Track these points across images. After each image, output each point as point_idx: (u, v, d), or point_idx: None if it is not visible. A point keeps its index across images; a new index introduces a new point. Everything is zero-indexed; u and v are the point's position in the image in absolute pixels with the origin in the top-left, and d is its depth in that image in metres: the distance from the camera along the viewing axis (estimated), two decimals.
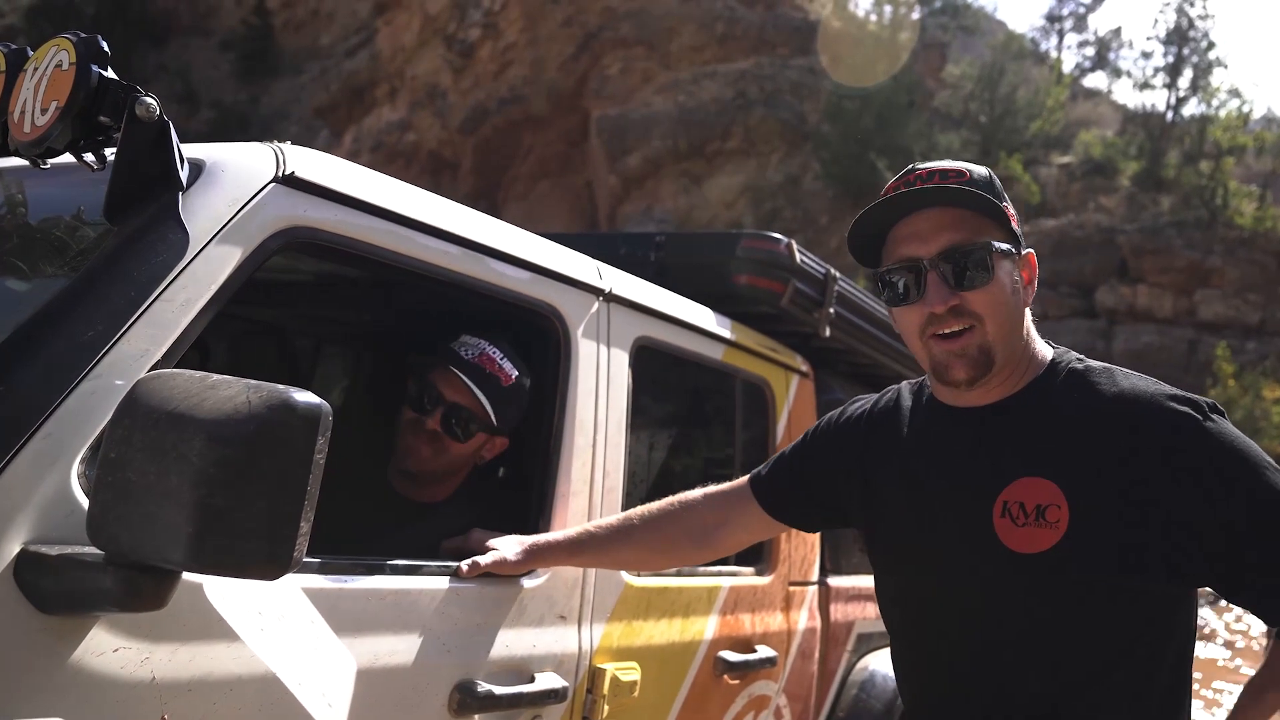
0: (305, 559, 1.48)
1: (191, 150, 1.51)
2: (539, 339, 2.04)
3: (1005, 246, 1.49)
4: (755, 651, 2.51)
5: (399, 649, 1.59)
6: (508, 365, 2.10)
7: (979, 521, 1.47)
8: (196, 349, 3.11)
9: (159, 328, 1.31)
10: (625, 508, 2.14)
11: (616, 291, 2.16)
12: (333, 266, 1.93)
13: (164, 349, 1.31)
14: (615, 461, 2.11)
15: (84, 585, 1.15)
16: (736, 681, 2.45)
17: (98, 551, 1.14)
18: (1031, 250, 1.58)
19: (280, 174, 1.49)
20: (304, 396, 1.16)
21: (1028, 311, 1.56)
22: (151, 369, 1.29)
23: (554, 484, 1.96)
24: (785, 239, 2.84)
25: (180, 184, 1.37)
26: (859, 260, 1.63)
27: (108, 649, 1.23)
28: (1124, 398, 1.44)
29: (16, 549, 1.16)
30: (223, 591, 1.36)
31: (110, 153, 1.37)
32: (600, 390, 2.08)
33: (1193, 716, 1.52)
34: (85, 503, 1.20)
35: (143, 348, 1.29)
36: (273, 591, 1.42)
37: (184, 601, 1.30)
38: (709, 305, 2.58)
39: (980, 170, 1.55)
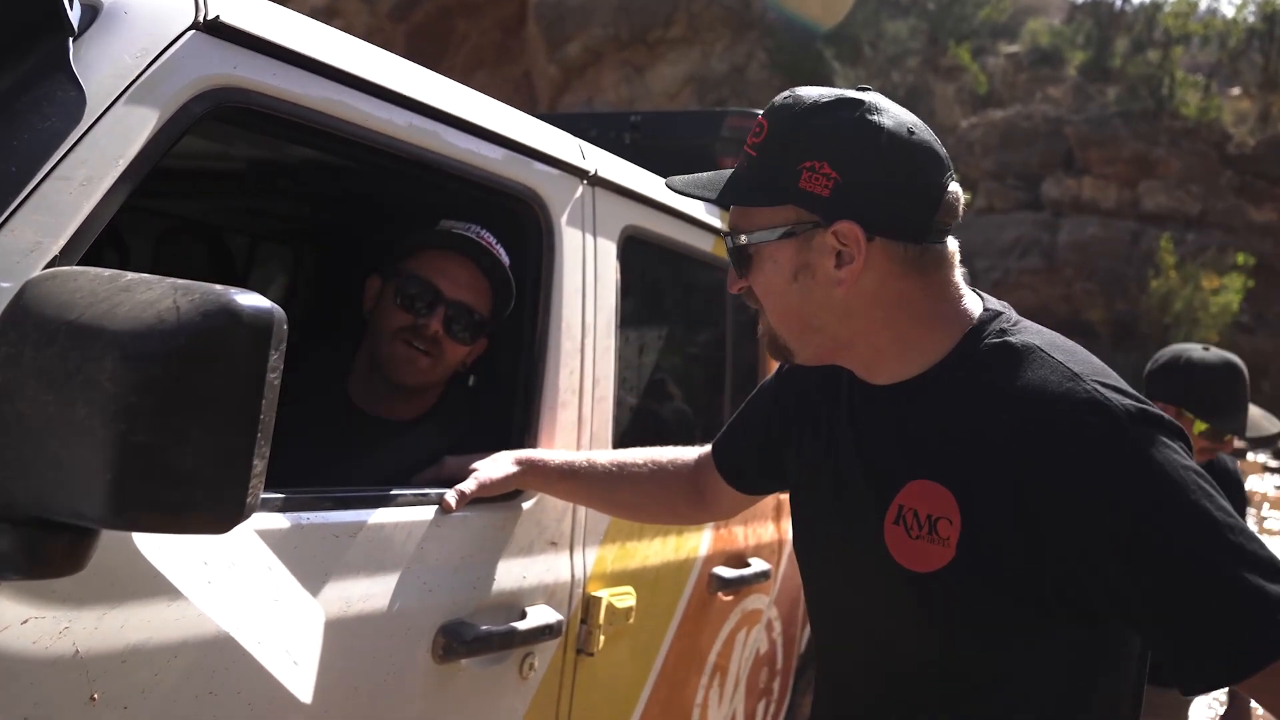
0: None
1: None
2: (517, 230, 1.77)
3: (769, 235, 1.23)
4: (749, 565, 2.34)
5: (374, 593, 1.36)
6: (502, 250, 1.83)
7: (872, 526, 1.24)
8: (112, 247, 2.79)
9: (53, 214, 1.02)
10: (616, 420, 1.92)
11: (602, 174, 1.89)
12: (267, 144, 1.62)
13: (61, 241, 1.02)
14: (605, 368, 1.87)
15: None
16: (730, 598, 2.29)
17: None
18: (849, 221, 1.19)
19: (200, 19, 1.18)
20: (249, 299, 0.89)
21: (916, 288, 1.22)
22: (46, 268, 1.01)
23: (539, 394, 1.72)
24: None
25: (70, 27, 1.05)
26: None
27: (14, 621, 0.98)
28: (1027, 395, 1.14)
29: None
30: (157, 541, 1.11)
31: None
32: (587, 287, 1.83)
33: None
34: None
35: (32, 239, 1.00)
36: (219, 538, 1.17)
37: (109, 556, 1.05)
38: None
39: (784, 115, 1.22)
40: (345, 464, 1.67)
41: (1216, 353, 2.63)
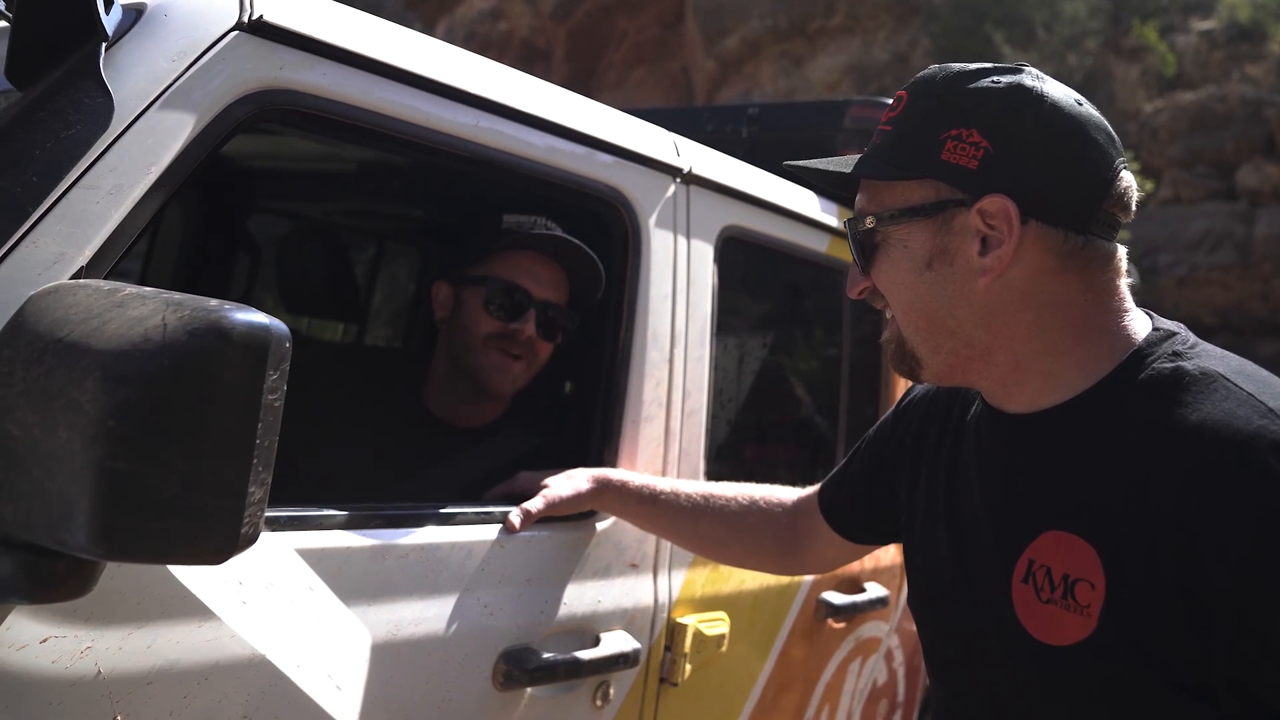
0: (297, 514, 1.20)
1: None
2: (600, 232, 1.67)
3: (893, 213, 1.07)
4: (864, 591, 2.17)
5: (426, 616, 1.30)
6: (578, 242, 1.75)
7: (996, 581, 1.05)
8: (247, 251, 2.88)
9: (79, 224, 0.99)
10: (711, 435, 1.79)
11: (697, 171, 1.77)
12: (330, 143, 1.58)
13: (88, 252, 1.00)
14: (698, 379, 1.75)
15: None
16: (842, 625, 2.12)
17: None
18: (999, 196, 1.01)
19: (245, 19, 1.14)
20: (243, 315, 0.83)
21: (1075, 290, 1.04)
22: (74, 279, 0.99)
23: (621, 408, 1.62)
24: None
25: (103, 33, 1.03)
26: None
27: (32, 640, 0.96)
28: (1205, 435, 0.92)
29: None
30: None
31: None
32: (678, 293, 1.71)
33: None
34: None
35: (56, 250, 0.97)
36: (257, 556, 1.13)
37: (135, 574, 1.03)
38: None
39: (927, 88, 1.07)
40: (421, 475, 1.62)
41: None
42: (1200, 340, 1.05)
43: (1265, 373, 0.99)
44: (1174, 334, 1.05)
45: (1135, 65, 20.42)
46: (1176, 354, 1.01)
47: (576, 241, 1.72)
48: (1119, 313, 1.05)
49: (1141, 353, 1.03)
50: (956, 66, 1.08)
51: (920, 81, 1.09)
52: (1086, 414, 1.03)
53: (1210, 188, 18.55)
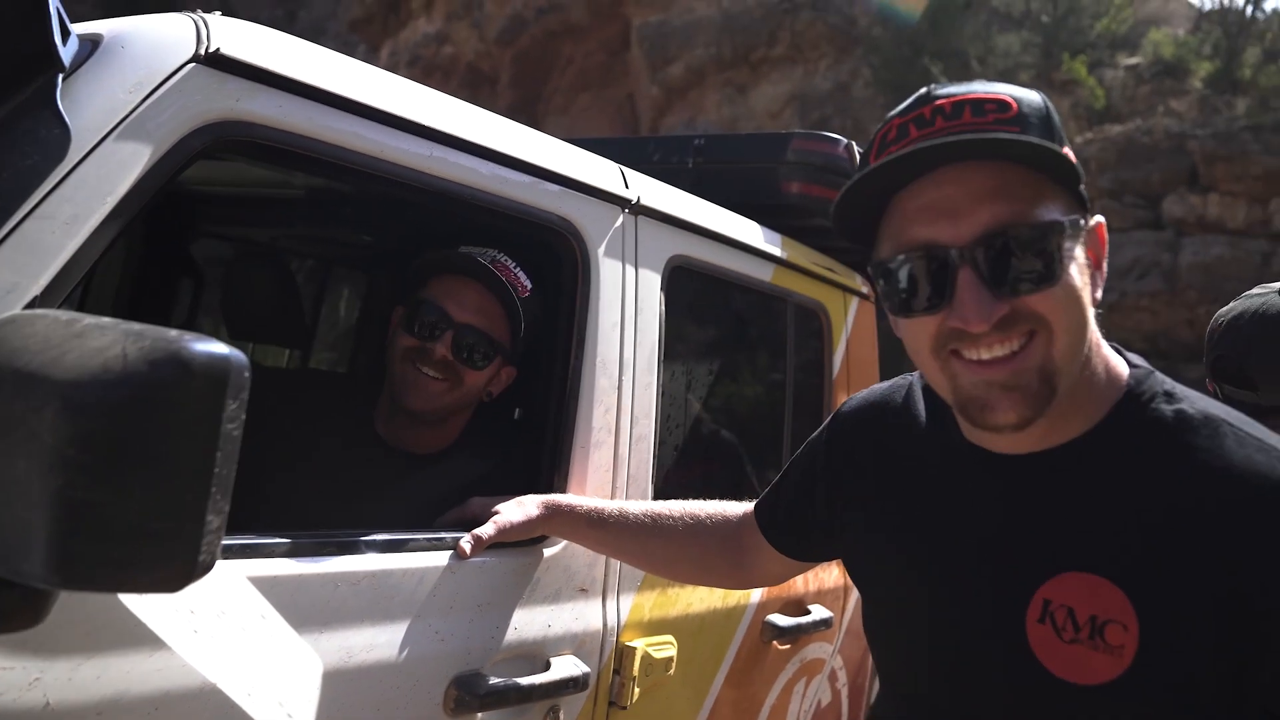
0: (249, 542, 1.20)
1: (92, 25, 1.18)
2: (550, 261, 1.70)
3: (1073, 220, 1.00)
4: (809, 613, 2.21)
5: (378, 643, 1.31)
6: (522, 275, 1.78)
7: (1007, 624, 1.04)
8: (190, 276, 2.86)
9: (33, 254, 1.00)
10: (659, 460, 1.83)
11: (645, 202, 1.81)
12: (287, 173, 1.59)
13: (42, 282, 1.00)
14: (646, 405, 1.79)
15: None
16: (787, 647, 2.16)
17: None
18: (1102, 219, 1.06)
19: (202, 51, 1.15)
20: (204, 346, 0.84)
21: (1093, 312, 1.05)
22: (26, 309, 0.99)
23: (571, 434, 1.64)
24: (844, 139, 2.46)
25: (60, 63, 1.04)
26: (849, 239, 1.12)
27: None
28: (1236, 483, 0.95)
29: None
30: None
31: None
32: (627, 321, 1.75)
33: None
34: None
35: (10, 280, 0.98)
36: (208, 585, 1.13)
37: (86, 604, 1.02)
38: (755, 218, 2.22)
39: (1030, 98, 1.02)
40: (372, 501, 1.63)
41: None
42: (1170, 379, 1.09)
43: (1247, 417, 1.04)
44: (1151, 371, 1.08)
45: (1066, 98, 21.08)
46: (1170, 395, 1.04)
47: (491, 268, 1.75)
48: (1102, 343, 1.08)
49: (1134, 392, 1.05)
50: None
51: (1004, 86, 1.03)
52: (1093, 455, 1.04)
53: (1138, 217, 19.19)
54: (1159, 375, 1.08)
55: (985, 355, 1.00)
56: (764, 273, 2.19)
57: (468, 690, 1.39)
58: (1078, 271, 1.00)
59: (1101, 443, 1.04)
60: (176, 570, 0.85)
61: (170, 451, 0.82)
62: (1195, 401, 1.04)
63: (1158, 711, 0.97)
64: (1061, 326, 0.99)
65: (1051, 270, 0.98)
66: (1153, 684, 0.96)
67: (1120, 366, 1.08)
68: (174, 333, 0.85)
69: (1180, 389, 1.06)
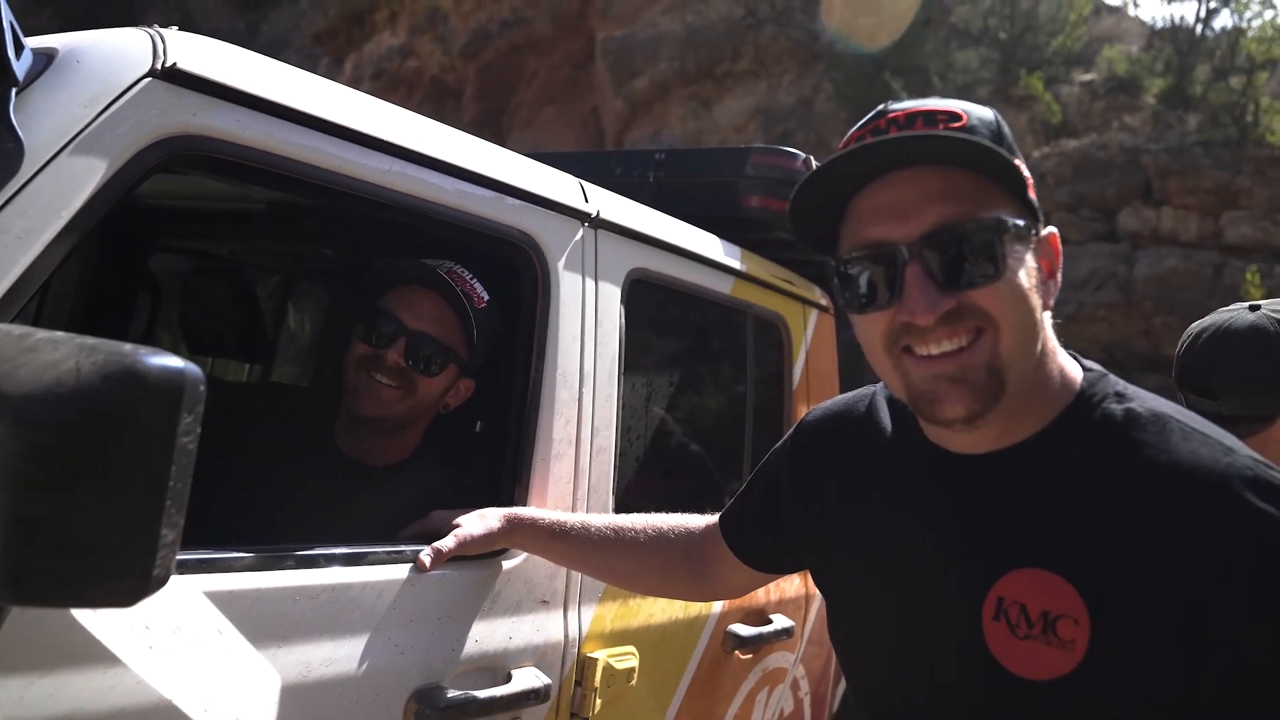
0: (206, 557, 1.20)
1: (46, 38, 1.18)
2: (510, 275, 1.71)
3: (1021, 223, 1.03)
4: (770, 622, 2.23)
5: (337, 657, 1.30)
6: (479, 286, 1.80)
7: (963, 622, 1.07)
8: (147, 290, 2.83)
9: None
10: (620, 472, 1.84)
11: (605, 216, 1.83)
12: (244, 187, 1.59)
13: None
14: (606, 417, 1.80)
15: None
16: (749, 656, 2.18)
17: None
18: (1054, 230, 1.10)
19: (159, 66, 1.16)
20: (158, 360, 0.84)
21: (1048, 318, 1.08)
22: None
23: (532, 446, 1.65)
24: (802, 154, 2.50)
25: (14, 78, 1.04)
26: (811, 245, 1.16)
27: None
28: (1182, 476, 0.99)
29: None
30: None
31: None
32: (587, 333, 1.76)
33: None
34: None
35: None
36: (163, 600, 1.13)
37: (39, 621, 1.01)
38: (716, 231, 2.25)
39: (982, 112, 1.07)
40: (332, 514, 1.62)
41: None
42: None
43: (1197, 415, 1.07)
44: (1104, 374, 1.12)
45: (1024, 113, 21.44)
46: (1120, 395, 1.08)
47: (445, 278, 1.77)
48: (1058, 349, 1.11)
49: (1086, 394, 1.08)
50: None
51: (958, 102, 1.07)
52: (1045, 453, 1.07)
53: (1095, 230, 19.55)
54: (1112, 378, 1.12)
55: (934, 350, 1.03)
56: (723, 285, 2.21)
57: (428, 704, 1.39)
58: (1025, 274, 1.04)
59: (1054, 441, 1.07)
60: (131, 585, 0.84)
61: (124, 465, 0.82)
62: (1145, 400, 1.08)
63: (1115, 706, 0.99)
64: (1008, 323, 1.02)
65: (996, 267, 1.01)
66: (1107, 677, 0.98)
67: (1075, 371, 1.12)
68: (128, 347, 0.85)
69: (1132, 389, 1.10)
